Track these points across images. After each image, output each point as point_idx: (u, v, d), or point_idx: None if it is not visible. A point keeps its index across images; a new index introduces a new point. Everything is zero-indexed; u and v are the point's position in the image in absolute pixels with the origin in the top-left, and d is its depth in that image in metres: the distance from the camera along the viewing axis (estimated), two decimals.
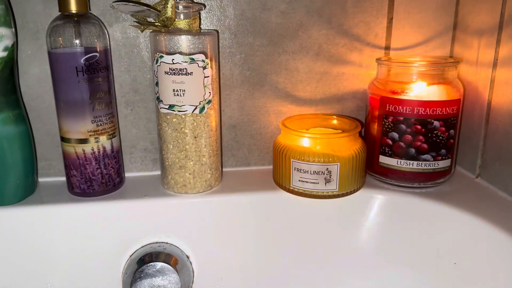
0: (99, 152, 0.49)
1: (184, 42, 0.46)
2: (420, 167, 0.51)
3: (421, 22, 0.57)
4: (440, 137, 0.50)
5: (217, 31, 0.53)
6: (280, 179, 0.52)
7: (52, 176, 0.55)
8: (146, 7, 0.45)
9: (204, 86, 0.48)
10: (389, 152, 0.52)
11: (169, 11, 0.45)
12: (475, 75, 0.54)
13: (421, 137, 0.50)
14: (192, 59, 0.46)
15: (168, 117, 0.48)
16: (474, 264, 0.45)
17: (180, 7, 0.46)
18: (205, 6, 0.52)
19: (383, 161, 0.53)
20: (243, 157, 0.59)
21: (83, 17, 0.46)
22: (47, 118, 0.53)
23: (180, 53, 0.46)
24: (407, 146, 0.51)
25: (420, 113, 0.50)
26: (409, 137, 0.51)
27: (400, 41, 0.57)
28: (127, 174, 0.56)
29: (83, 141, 0.48)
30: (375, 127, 0.53)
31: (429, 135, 0.50)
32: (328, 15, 0.55)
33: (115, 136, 0.50)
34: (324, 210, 0.52)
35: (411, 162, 0.51)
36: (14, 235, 0.47)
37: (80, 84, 0.46)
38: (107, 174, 0.50)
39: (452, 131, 0.51)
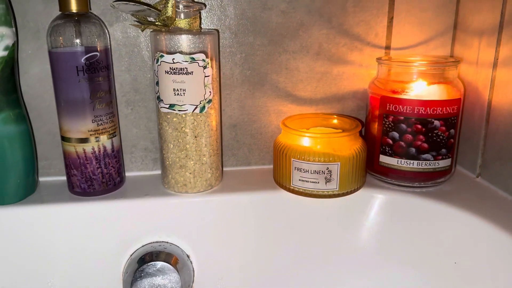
0: (99, 151, 0.49)
1: (184, 41, 0.46)
2: (420, 167, 0.51)
3: (422, 21, 0.57)
4: (441, 137, 0.50)
5: (218, 31, 0.53)
6: (280, 179, 0.52)
7: (52, 176, 0.55)
8: (146, 7, 0.45)
9: (205, 86, 0.48)
10: (390, 151, 0.52)
11: (170, 11, 0.45)
12: (476, 75, 0.54)
13: (421, 137, 0.50)
14: (193, 58, 0.46)
15: (169, 116, 0.48)
16: (475, 263, 0.45)
17: (181, 6, 0.46)
18: (205, 6, 0.52)
19: (384, 161, 0.53)
20: (244, 157, 0.59)
21: (84, 17, 0.46)
22: (47, 117, 0.53)
23: (181, 52, 0.46)
24: (407, 146, 0.51)
25: (420, 112, 0.50)
26: (409, 136, 0.51)
27: (401, 40, 0.57)
28: (127, 174, 0.56)
29: (84, 140, 0.48)
30: (375, 127, 0.53)
31: (430, 134, 0.50)
32: (328, 15, 0.55)
33: (115, 136, 0.50)
34: (325, 210, 0.52)
35: (412, 161, 0.51)
36: (15, 235, 0.48)
37: (80, 83, 0.46)
38: (108, 173, 0.50)
39: (452, 131, 0.51)
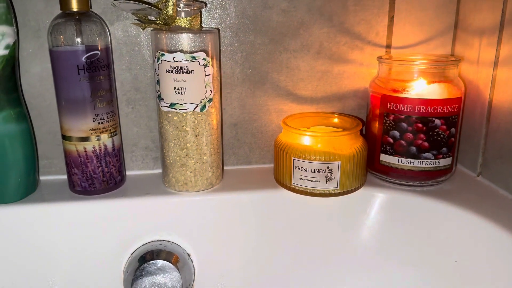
0: (100, 150, 0.49)
1: (185, 40, 0.46)
2: (421, 166, 0.51)
3: (422, 20, 0.57)
4: (441, 136, 0.50)
5: (218, 29, 0.53)
6: (281, 178, 0.52)
7: (53, 174, 0.55)
8: (147, 5, 0.45)
9: (205, 84, 0.48)
10: (390, 150, 0.52)
11: (170, 9, 0.45)
12: (476, 74, 0.54)
13: (422, 135, 0.50)
14: (193, 57, 0.46)
15: (169, 115, 0.48)
16: (475, 262, 0.45)
17: (181, 5, 0.46)
18: (206, 4, 0.52)
19: (384, 159, 0.53)
20: (244, 156, 0.59)
21: (84, 15, 0.46)
22: (48, 116, 0.53)
23: (181, 51, 0.46)
24: (408, 145, 0.51)
25: (421, 111, 0.50)
26: (410, 135, 0.51)
27: (401, 39, 0.57)
28: (128, 173, 0.56)
29: (84, 139, 0.48)
30: (376, 126, 0.53)
31: (430, 133, 0.50)
32: (329, 13, 0.55)
33: (116, 134, 0.50)
34: (325, 209, 0.52)
35: (412, 160, 0.51)
36: (15, 233, 0.48)
37: (81, 82, 0.46)
38: (108, 172, 0.50)
39: (453, 130, 0.51)
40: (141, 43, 0.52)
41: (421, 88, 0.50)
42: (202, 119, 0.48)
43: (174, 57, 0.46)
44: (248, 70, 0.55)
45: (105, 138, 0.49)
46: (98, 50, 0.47)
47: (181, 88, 0.47)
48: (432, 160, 0.51)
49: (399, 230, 0.51)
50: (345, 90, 0.58)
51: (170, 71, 0.46)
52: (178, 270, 0.47)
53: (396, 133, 0.51)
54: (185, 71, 0.46)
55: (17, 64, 0.48)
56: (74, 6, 0.45)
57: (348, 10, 0.55)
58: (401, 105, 0.50)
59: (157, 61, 0.47)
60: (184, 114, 0.48)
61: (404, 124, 0.50)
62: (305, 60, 0.56)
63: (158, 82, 0.48)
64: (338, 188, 0.49)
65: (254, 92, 0.56)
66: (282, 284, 0.53)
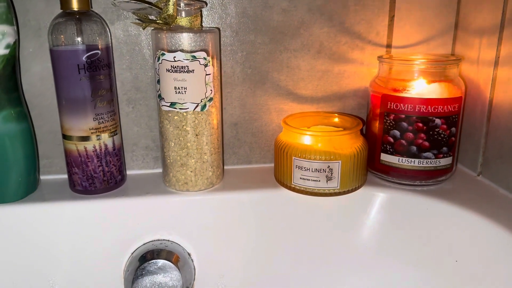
0: (100, 149, 0.49)
1: (185, 39, 0.46)
2: (421, 165, 0.51)
3: (423, 20, 0.57)
4: (442, 135, 0.50)
5: (219, 29, 0.53)
6: (281, 177, 0.52)
7: (53, 174, 0.55)
8: (147, 5, 0.45)
9: (206, 84, 0.48)
10: (391, 149, 0.52)
11: (171, 9, 0.45)
12: (477, 73, 0.54)
13: (422, 135, 0.50)
14: (194, 56, 0.46)
15: (170, 114, 0.48)
16: (476, 262, 0.45)
17: (182, 4, 0.46)
18: (206, 4, 0.52)
19: (385, 159, 0.53)
20: (245, 155, 0.59)
21: (85, 15, 0.46)
22: (49, 115, 0.53)
23: (182, 50, 0.46)
24: (408, 144, 0.51)
25: (421, 110, 0.50)
26: (410, 134, 0.51)
27: (402, 39, 0.57)
28: (128, 172, 0.56)
29: (85, 138, 0.48)
30: (376, 125, 0.53)
31: (431, 132, 0.50)
32: (329, 13, 0.55)
33: (116, 134, 0.50)
34: (326, 208, 0.52)
35: (413, 159, 0.51)
36: (16, 233, 0.48)
37: (81, 81, 0.46)
38: (109, 171, 0.50)
39: (453, 129, 0.51)
40: (142, 43, 0.52)
41: (422, 88, 0.50)
42: (202, 119, 0.48)
43: (175, 57, 0.46)
44: (249, 69, 0.55)
45: (105, 137, 0.49)
46: (98, 49, 0.47)
47: (182, 87, 0.47)
48: (433, 160, 0.51)
49: (399, 230, 0.51)
50: (345, 89, 0.58)
51: (171, 71, 0.46)
52: (179, 269, 0.47)
53: (397, 133, 0.51)
54: (185, 70, 0.46)
55: (18, 63, 0.48)
56: (75, 5, 0.45)
57: (348, 10, 0.55)
58: (401, 104, 0.50)
59: (158, 61, 0.47)
60: (185, 114, 0.48)
61: (405, 124, 0.50)
62: (305, 59, 0.56)
63: (158, 81, 0.48)
64: (338, 187, 0.49)
65: (255, 91, 0.56)
66: (282, 283, 0.53)
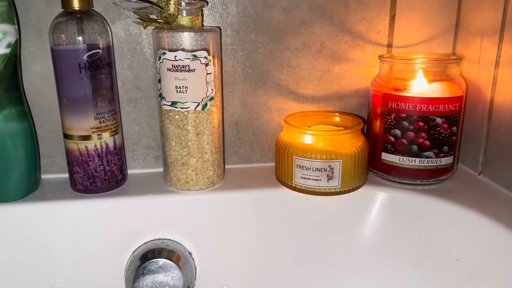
0: (101, 149, 0.49)
1: (186, 39, 0.46)
2: (422, 164, 0.51)
3: (424, 19, 0.57)
4: (443, 134, 0.50)
5: (220, 28, 0.53)
6: (282, 176, 0.52)
7: (54, 173, 0.55)
8: (148, 4, 0.45)
9: (207, 83, 0.48)
10: (392, 149, 0.52)
11: (172, 8, 0.45)
12: (478, 73, 0.54)
13: (423, 134, 0.50)
14: (195, 56, 0.46)
15: (171, 114, 0.48)
16: (477, 261, 0.45)
17: (183, 3, 0.46)
18: (207, 3, 0.52)
19: (386, 158, 0.53)
20: (245, 154, 0.59)
21: (86, 14, 0.46)
22: (50, 115, 0.53)
23: (183, 50, 0.46)
24: (409, 143, 0.51)
25: (422, 110, 0.50)
26: (411, 134, 0.51)
27: (402, 38, 0.57)
28: (129, 171, 0.56)
29: (86, 138, 0.48)
30: (377, 124, 0.53)
31: (432, 132, 0.50)
32: (330, 12, 0.55)
33: (117, 133, 0.51)
34: (326, 207, 0.52)
35: (414, 159, 0.51)
36: (17, 232, 0.48)
37: (82, 81, 0.46)
38: (110, 171, 0.50)
39: (454, 128, 0.51)
40: (143, 42, 0.52)
41: (423, 87, 0.50)
42: (203, 118, 0.48)
43: (176, 56, 0.46)
44: (249, 69, 0.55)
45: (106, 136, 0.49)
46: (99, 48, 0.47)
47: (183, 86, 0.47)
48: (434, 159, 0.51)
49: (400, 229, 0.51)
50: (346, 89, 0.58)
51: (172, 70, 0.47)
52: (180, 268, 0.47)
53: (398, 132, 0.51)
54: (186, 69, 0.46)
55: (19, 62, 0.48)
56: (76, 4, 0.45)
57: (349, 9, 0.55)
58: (402, 103, 0.50)
59: (159, 60, 0.47)
60: (186, 113, 0.48)
61: (406, 123, 0.50)
62: (306, 58, 0.56)
63: (159, 80, 0.48)
64: (339, 186, 0.49)
65: (255, 90, 0.56)
66: (283, 282, 0.53)
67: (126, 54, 0.52)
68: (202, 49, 0.46)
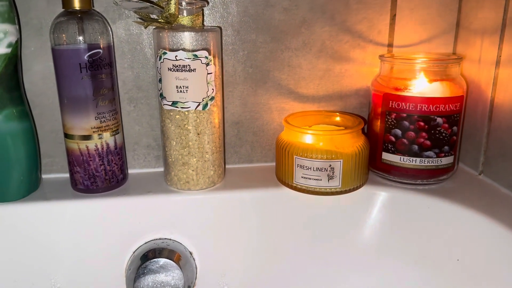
0: (102, 148, 0.49)
1: (187, 38, 0.46)
2: (423, 164, 0.51)
3: (424, 19, 0.57)
4: (443, 134, 0.50)
5: (220, 28, 0.53)
6: (283, 176, 0.52)
7: (55, 173, 0.55)
8: (149, 4, 0.45)
9: (207, 83, 0.48)
10: (392, 148, 0.52)
11: (173, 8, 0.45)
12: (478, 73, 0.54)
13: (424, 134, 0.50)
14: (195, 55, 0.46)
15: (171, 113, 0.48)
16: (477, 260, 0.45)
17: (183, 3, 0.46)
18: (208, 3, 0.52)
19: (386, 158, 0.53)
20: (246, 154, 0.59)
21: (87, 14, 0.46)
22: (50, 114, 0.53)
23: (183, 49, 0.46)
24: (410, 143, 0.51)
25: (423, 109, 0.50)
26: (412, 133, 0.51)
27: (403, 38, 0.57)
28: (130, 171, 0.56)
29: (87, 137, 0.48)
30: (378, 124, 0.53)
31: (432, 131, 0.50)
32: (331, 12, 0.55)
33: (118, 133, 0.51)
34: (327, 207, 0.52)
35: (414, 158, 0.51)
36: (18, 232, 0.48)
37: (83, 80, 0.46)
38: (111, 170, 0.50)
39: (455, 128, 0.51)
40: (143, 42, 0.52)
41: (423, 87, 0.50)
42: (204, 118, 0.48)
43: (176, 56, 0.46)
44: (250, 68, 0.55)
45: (107, 136, 0.49)
46: (100, 48, 0.47)
47: (183, 86, 0.47)
48: (434, 159, 0.51)
49: (400, 229, 0.51)
50: (347, 88, 0.58)
51: (172, 70, 0.47)
52: (180, 268, 0.47)
53: (398, 132, 0.51)
54: (187, 69, 0.46)
55: (20, 62, 0.48)
56: (77, 4, 0.45)
57: (350, 9, 0.55)
58: (403, 103, 0.50)
59: (159, 60, 0.47)
60: (186, 113, 0.48)
61: (406, 123, 0.50)
62: (306, 58, 0.56)
63: (160, 80, 0.48)
64: (340, 186, 0.49)
65: (256, 90, 0.56)
66: (283, 282, 0.53)
67: (127, 54, 0.52)
68: (202, 49, 0.46)
